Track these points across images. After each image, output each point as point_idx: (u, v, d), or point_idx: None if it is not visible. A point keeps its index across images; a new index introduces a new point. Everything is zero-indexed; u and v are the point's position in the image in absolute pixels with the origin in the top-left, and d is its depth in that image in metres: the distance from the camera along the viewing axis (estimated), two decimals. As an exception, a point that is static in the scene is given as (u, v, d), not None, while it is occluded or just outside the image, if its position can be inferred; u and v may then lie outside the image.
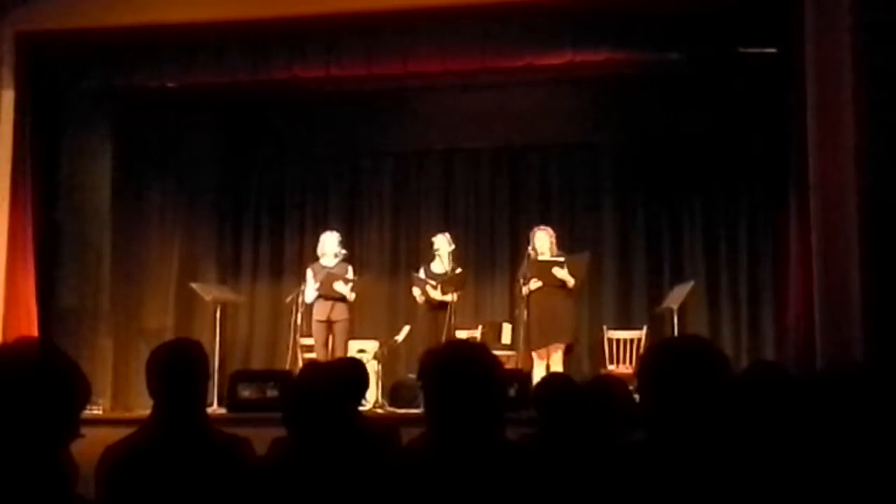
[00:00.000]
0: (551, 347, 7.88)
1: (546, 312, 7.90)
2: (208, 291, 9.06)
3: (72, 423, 1.97)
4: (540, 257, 8.02)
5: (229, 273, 10.22)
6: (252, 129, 10.09)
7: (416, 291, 8.37)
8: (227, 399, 7.50)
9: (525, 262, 8.14)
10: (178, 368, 2.87)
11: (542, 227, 8.29)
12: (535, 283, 7.94)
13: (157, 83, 8.29)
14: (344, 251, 8.59)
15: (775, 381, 2.70)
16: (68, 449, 1.98)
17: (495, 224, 9.99)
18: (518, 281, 8.21)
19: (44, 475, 1.90)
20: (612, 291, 9.56)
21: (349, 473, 2.75)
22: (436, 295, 8.22)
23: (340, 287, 8.33)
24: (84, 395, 1.98)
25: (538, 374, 7.59)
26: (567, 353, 8.06)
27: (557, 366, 7.81)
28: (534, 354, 7.91)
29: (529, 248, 8.12)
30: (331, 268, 8.42)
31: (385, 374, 8.48)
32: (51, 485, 1.91)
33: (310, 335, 8.51)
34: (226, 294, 9.36)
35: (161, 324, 9.42)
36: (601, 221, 9.73)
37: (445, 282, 8.22)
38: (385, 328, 9.35)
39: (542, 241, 8.09)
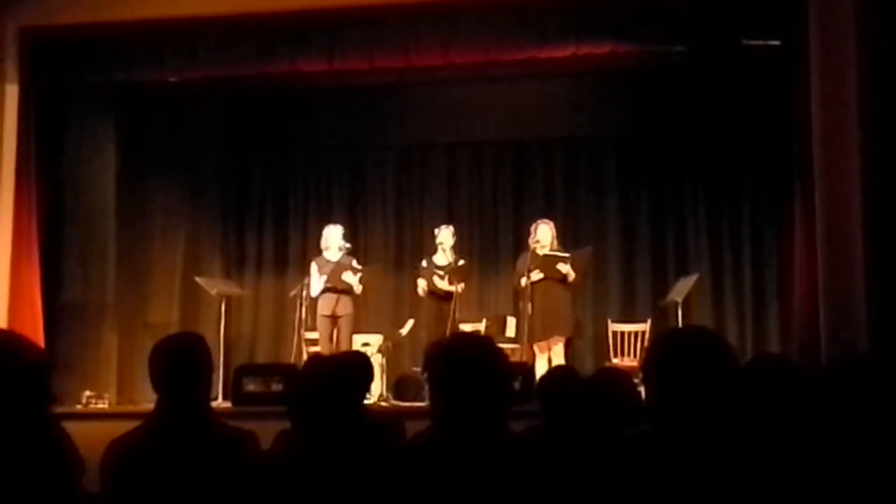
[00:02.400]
0: (551, 340, 7.90)
1: (546, 306, 7.92)
2: (213, 285, 9.07)
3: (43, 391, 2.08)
4: (540, 251, 8.02)
5: (234, 267, 10.23)
6: (255, 122, 10.09)
7: (422, 284, 8.36)
8: (232, 393, 7.52)
9: (525, 255, 8.14)
10: (181, 362, 2.87)
11: (545, 220, 8.29)
12: (536, 275, 7.95)
13: (161, 77, 8.30)
14: (348, 245, 8.60)
15: (779, 373, 2.69)
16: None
17: (499, 217, 9.99)
18: (516, 273, 8.21)
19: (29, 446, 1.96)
20: (616, 284, 9.55)
21: (354, 467, 2.75)
22: (442, 285, 8.22)
23: (349, 277, 8.33)
24: (45, 366, 2.06)
25: (540, 366, 7.61)
26: (567, 346, 8.08)
27: (559, 358, 7.83)
28: (535, 347, 7.92)
29: (530, 240, 8.12)
30: (337, 260, 8.43)
31: (390, 367, 8.50)
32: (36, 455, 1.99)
33: (314, 329, 8.52)
34: (230, 288, 9.38)
35: (166, 318, 9.44)
36: (605, 214, 9.72)
37: (451, 272, 8.23)
38: (389, 322, 9.36)
39: (545, 234, 8.09)
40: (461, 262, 8.41)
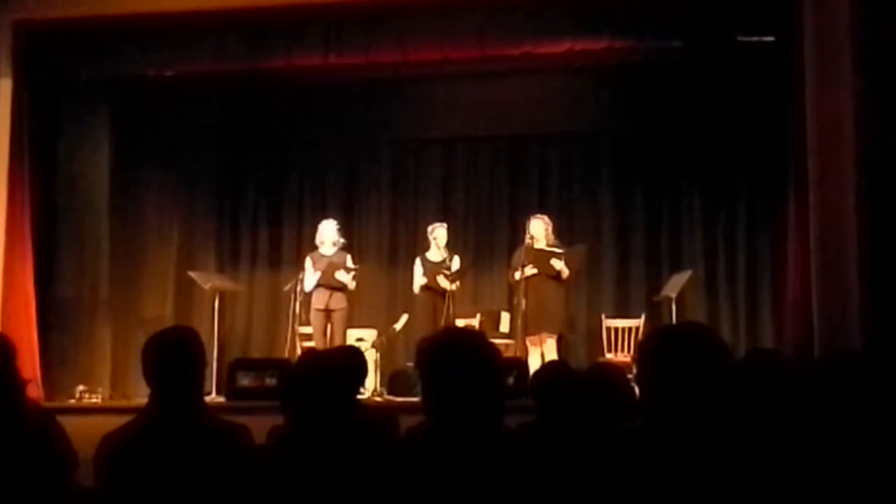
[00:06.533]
0: (542, 335, 7.91)
1: (539, 301, 7.93)
2: (207, 280, 9.06)
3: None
4: (536, 245, 8.02)
5: (228, 261, 10.21)
6: (250, 117, 10.07)
7: (421, 281, 8.32)
8: (225, 387, 7.52)
9: (520, 249, 8.14)
10: (174, 356, 2.86)
11: (538, 214, 8.30)
12: (530, 270, 7.95)
13: (155, 72, 8.28)
14: (342, 239, 8.58)
15: (773, 368, 2.70)
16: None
17: (494, 213, 9.98)
18: (510, 268, 8.21)
19: None
20: (610, 280, 9.55)
21: (348, 461, 2.75)
22: (445, 285, 8.20)
23: (342, 276, 8.32)
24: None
25: (533, 361, 7.62)
26: (559, 342, 8.09)
27: (551, 353, 7.83)
28: (528, 342, 7.92)
29: (526, 235, 8.12)
30: (330, 256, 8.41)
31: (384, 362, 8.49)
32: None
33: (308, 324, 8.51)
34: (224, 282, 9.36)
35: (160, 312, 9.42)
36: (600, 210, 9.72)
37: (456, 273, 8.22)
38: (383, 317, 9.35)
39: (538, 229, 8.10)
40: (458, 266, 8.38)
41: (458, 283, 8.25)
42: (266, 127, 10.14)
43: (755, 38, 7.45)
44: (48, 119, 8.41)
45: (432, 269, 8.29)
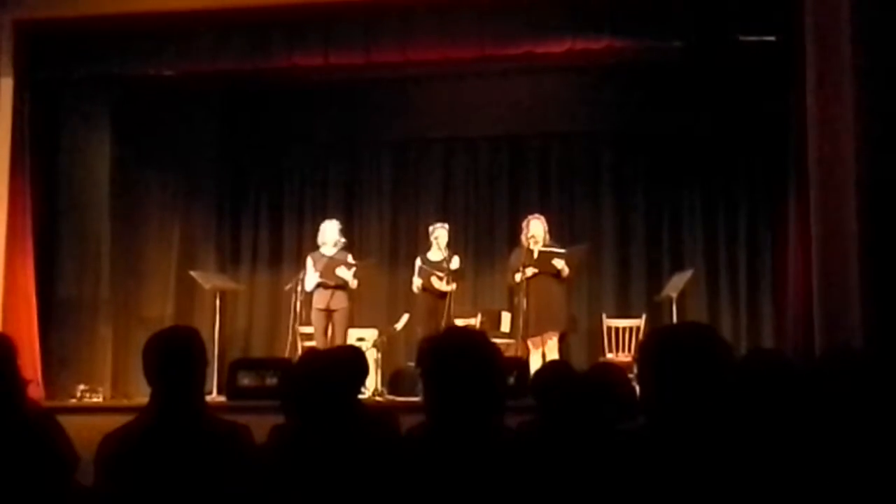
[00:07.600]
0: (546, 335, 7.91)
1: (541, 301, 7.92)
2: (207, 280, 9.06)
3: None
4: (534, 246, 8.02)
5: (228, 261, 10.22)
6: (251, 117, 10.08)
7: (417, 282, 8.33)
8: (226, 387, 7.52)
9: (518, 251, 8.13)
10: (175, 355, 2.87)
11: (536, 215, 8.29)
12: (530, 271, 7.95)
13: (156, 71, 8.27)
14: (344, 240, 8.59)
15: (774, 368, 2.70)
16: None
17: (494, 213, 9.98)
18: (509, 269, 8.21)
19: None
20: (611, 280, 9.55)
21: (348, 461, 2.75)
22: (440, 286, 8.21)
23: (343, 272, 8.32)
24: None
25: (534, 361, 7.62)
26: (561, 341, 8.09)
27: (553, 353, 7.83)
28: (529, 342, 7.92)
29: (523, 236, 8.13)
30: (331, 255, 8.42)
31: (384, 362, 8.49)
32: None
33: (309, 323, 8.51)
34: (225, 282, 9.36)
35: (161, 312, 9.43)
36: (600, 210, 9.72)
37: (452, 273, 8.22)
38: (384, 316, 9.35)
39: (538, 229, 8.09)
40: (457, 266, 8.38)
41: (454, 283, 8.24)
42: (266, 126, 10.14)
43: (756, 38, 7.44)
44: (49, 119, 8.41)
45: (426, 272, 8.29)
